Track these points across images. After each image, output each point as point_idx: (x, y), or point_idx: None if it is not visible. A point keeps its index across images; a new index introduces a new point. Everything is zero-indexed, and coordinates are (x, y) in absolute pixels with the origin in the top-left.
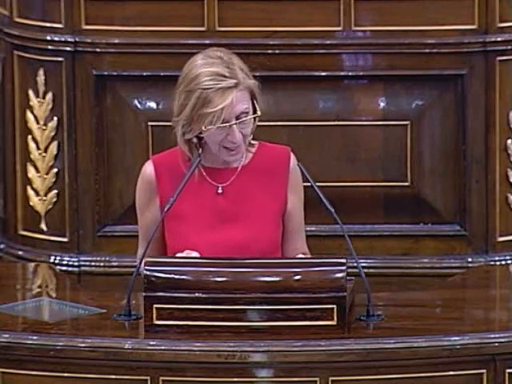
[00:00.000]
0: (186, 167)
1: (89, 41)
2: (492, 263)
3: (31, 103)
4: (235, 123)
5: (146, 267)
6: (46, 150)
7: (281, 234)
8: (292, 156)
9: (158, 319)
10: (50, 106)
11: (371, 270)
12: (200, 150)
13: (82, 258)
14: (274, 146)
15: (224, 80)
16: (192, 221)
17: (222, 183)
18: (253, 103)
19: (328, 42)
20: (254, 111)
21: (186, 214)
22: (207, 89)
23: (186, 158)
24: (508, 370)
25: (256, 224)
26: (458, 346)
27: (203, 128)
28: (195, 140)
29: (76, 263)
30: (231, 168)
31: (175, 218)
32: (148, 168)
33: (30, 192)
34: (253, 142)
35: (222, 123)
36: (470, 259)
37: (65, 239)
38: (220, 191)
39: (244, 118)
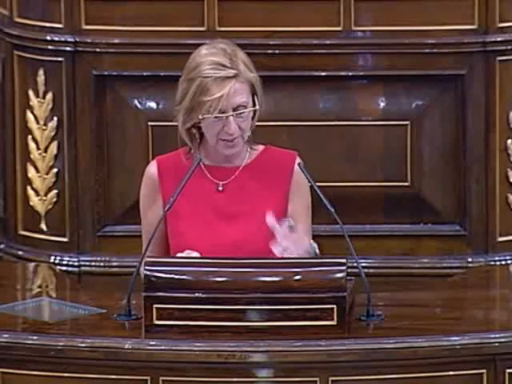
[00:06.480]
0: (188, 167)
1: (89, 41)
2: (492, 263)
3: (31, 103)
4: (231, 114)
5: (146, 267)
6: (46, 150)
7: None
8: (297, 160)
9: (158, 319)
10: (50, 106)
11: (371, 270)
12: (199, 141)
13: (82, 258)
14: (280, 149)
15: (224, 70)
16: (191, 218)
17: (222, 181)
18: (253, 98)
19: (328, 41)
20: (254, 106)
21: (185, 211)
22: (207, 77)
23: (188, 155)
24: (508, 370)
25: (253, 223)
26: (458, 346)
27: (200, 117)
28: (194, 130)
29: (76, 263)
30: (233, 167)
31: (175, 217)
32: (151, 168)
33: (30, 192)
34: (260, 145)
35: (218, 113)
36: (469, 259)
37: (65, 239)
38: (220, 188)
39: (241, 111)
